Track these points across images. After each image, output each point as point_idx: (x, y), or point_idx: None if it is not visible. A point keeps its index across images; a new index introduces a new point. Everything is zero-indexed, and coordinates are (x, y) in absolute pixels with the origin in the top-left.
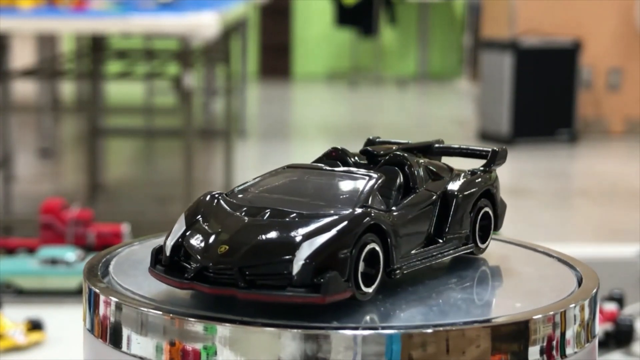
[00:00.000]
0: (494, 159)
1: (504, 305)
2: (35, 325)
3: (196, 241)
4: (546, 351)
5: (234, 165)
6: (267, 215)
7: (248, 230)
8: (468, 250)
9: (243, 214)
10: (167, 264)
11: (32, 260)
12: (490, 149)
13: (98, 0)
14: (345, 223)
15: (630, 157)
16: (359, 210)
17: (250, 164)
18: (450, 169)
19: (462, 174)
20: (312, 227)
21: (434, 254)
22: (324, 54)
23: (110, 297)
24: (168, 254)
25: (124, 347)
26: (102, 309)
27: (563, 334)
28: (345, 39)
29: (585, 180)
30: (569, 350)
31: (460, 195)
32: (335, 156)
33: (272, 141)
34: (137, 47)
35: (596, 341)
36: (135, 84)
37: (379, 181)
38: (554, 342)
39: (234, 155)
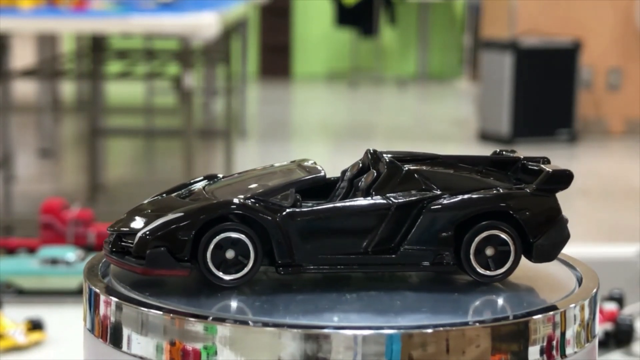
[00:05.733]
0: (544, 181)
1: (504, 305)
2: (35, 325)
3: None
4: (546, 351)
5: (234, 165)
6: (187, 197)
7: (153, 205)
8: (440, 271)
9: (179, 195)
10: None
11: (32, 260)
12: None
13: (98, 0)
14: (196, 208)
15: (630, 157)
16: (235, 200)
17: (250, 164)
18: (494, 185)
19: (470, 192)
20: (181, 209)
21: (369, 262)
22: (324, 54)
23: (111, 297)
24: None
25: (124, 347)
26: (102, 309)
27: (563, 334)
28: (345, 39)
29: (585, 180)
30: (569, 350)
31: (425, 210)
32: (363, 158)
33: (272, 141)
34: (137, 47)
35: (596, 341)
36: (135, 84)
37: (301, 180)
38: (554, 342)
39: (234, 155)
